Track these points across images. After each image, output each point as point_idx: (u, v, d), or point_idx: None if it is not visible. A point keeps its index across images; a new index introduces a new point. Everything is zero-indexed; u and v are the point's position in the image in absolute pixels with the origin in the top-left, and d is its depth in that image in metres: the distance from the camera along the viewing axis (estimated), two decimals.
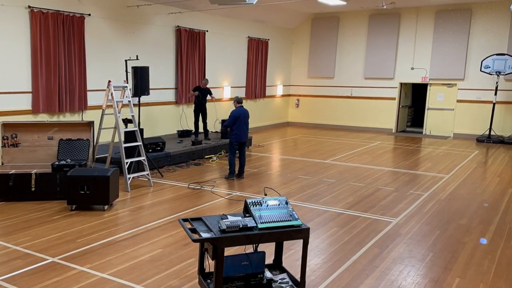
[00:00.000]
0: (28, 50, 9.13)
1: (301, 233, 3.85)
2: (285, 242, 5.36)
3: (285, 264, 4.73)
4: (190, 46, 12.92)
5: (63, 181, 6.94)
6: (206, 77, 13.19)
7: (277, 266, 4.40)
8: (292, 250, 5.28)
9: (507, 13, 14.12)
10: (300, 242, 5.52)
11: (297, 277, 4.13)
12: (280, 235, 3.82)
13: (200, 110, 11.80)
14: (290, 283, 4.10)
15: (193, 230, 3.79)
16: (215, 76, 14.26)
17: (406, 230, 6.10)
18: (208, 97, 11.74)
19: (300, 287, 3.99)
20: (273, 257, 4.54)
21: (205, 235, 3.62)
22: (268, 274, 4.22)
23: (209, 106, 12.05)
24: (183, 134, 12.00)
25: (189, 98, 12.60)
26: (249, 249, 4.50)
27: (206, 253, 3.86)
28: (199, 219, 4.01)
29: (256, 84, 15.95)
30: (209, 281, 4.05)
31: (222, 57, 14.46)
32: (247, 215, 4.02)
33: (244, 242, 3.73)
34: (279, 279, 4.16)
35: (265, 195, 4.37)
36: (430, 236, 5.89)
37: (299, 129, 16.91)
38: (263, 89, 16.38)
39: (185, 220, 4.00)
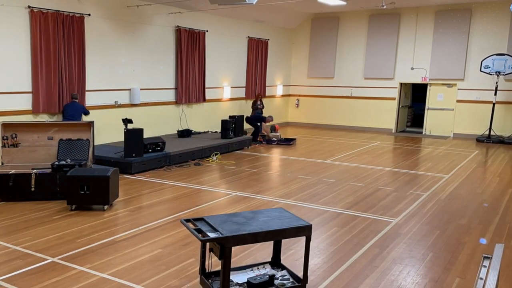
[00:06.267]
0: (28, 50, 9.13)
1: (304, 231, 3.91)
2: (285, 242, 5.37)
3: (285, 264, 4.74)
4: (190, 46, 12.93)
5: (63, 181, 6.94)
6: (270, 115, 14.18)
7: (276, 263, 4.41)
8: (292, 250, 5.28)
9: (507, 13, 14.13)
10: (299, 243, 5.52)
11: (298, 274, 4.14)
12: (285, 232, 3.86)
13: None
14: (291, 279, 4.12)
15: (198, 230, 3.80)
16: (215, 76, 14.27)
17: (406, 230, 6.10)
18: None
19: (303, 282, 4.01)
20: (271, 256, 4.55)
21: (211, 235, 3.62)
22: (268, 270, 4.23)
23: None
24: (183, 134, 12.01)
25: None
26: (252, 247, 4.51)
27: (211, 252, 3.86)
28: (201, 219, 4.02)
29: (256, 84, 15.94)
30: (210, 281, 4.05)
31: (222, 57, 14.46)
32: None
33: (250, 241, 3.74)
34: (280, 276, 4.17)
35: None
36: (430, 236, 5.89)
37: (299, 129, 16.91)
38: (263, 89, 16.38)
39: (187, 220, 4.00)
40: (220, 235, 3.59)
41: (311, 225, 3.97)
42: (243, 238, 3.67)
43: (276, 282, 4.03)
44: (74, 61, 9.87)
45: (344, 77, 17.08)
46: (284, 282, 4.05)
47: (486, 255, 2.95)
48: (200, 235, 3.68)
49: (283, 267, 4.35)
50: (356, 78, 16.85)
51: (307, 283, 4.07)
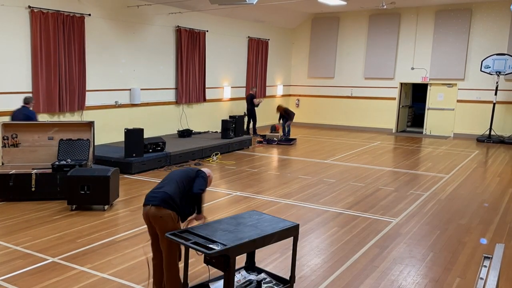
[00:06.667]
0: (28, 50, 9.13)
1: (293, 231, 3.99)
2: (283, 243, 5.36)
3: (283, 266, 4.74)
4: (190, 46, 12.93)
5: (64, 181, 6.94)
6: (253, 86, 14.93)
7: (251, 267, 4.38)
8: (292, 250, 5.27)
9: (507, 13, 14.12)
10: (298, 244, 5.51)
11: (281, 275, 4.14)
12: (278, 235, 3.86)
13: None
14: (274, 281, 4.12)
15: (195, 243, 3.52)
16: (215, 76, 14.27)
17: (406, 230, 6.10)
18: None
19: (291, 282, 4.01)
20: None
21: (213, 247, 3.50)
22: (245, 275, 4.20)
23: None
24: (183, 134, 12.00)
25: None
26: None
27: (208, 265, 3.74)
28: (185, 231, 3.77)
29: (256, 84, 15.94)
30: None
31: (222, 57, 14.46)
32: None
33: (251, 248, 3.71)
34: (262, 279, 4.16)
35: None
36: (430, 236, 5.89)
37: (299, 129, 16.90)
38: (263, 89, 16.38)
39: (173, 235, 3.67)
40: (223, 246, 3.46)
41: (298, 225, 4.01)
42: (246, 247, 3.62)
43: (264, 286, 4.02)
44: (74, 61, 9.87)
45: (344, 77, 17.07)
46: (270, 285, 4.05)
47: (486, 255, 2.94)
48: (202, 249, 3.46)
49: (259, 270, 4.33)
50: (356, 78, 16.85)
51: (294, 282, 4.06)
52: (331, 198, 7.61)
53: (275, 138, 13.27)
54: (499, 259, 2.80)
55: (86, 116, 10.25)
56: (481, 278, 2.69)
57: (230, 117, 12.43)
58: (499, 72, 13.86)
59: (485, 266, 2.80)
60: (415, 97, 17.81)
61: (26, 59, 9.12)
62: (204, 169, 4.20)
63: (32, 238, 5.50)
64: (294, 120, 18.23)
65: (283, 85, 17.88)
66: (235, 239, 3.58)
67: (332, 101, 17.39)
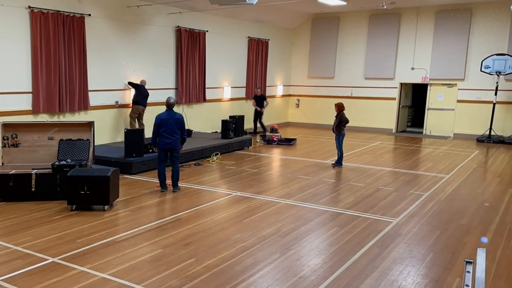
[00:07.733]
0: (29, 50, 9.13)
1: None
2: (285, 242, 5.35)
3: (283, 266, 4.72)
4: (190, 46, 12.93)
5: (64, 181, 6.93)
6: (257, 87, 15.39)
7: None
8: (292, 250, 5.28)
9: (507, 13, 14.12)
10: (300, 242, 5.52)
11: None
12: None
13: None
14: None
15: None
16: (215, 76, 14.27)
17: (406, 230, 6.10)
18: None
19: None
20: None
21: None
22: None
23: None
24: None
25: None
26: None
27: None
28: None
29: (256, 84, 15.94)
30: None
31: (222, 57, 14.46)
32: None
33: None
34: None
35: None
36: (431, 236, 5.89)
37: (299, 129, 16.91)
38: (263, 89, 16.37)
39: None
40: None
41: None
42: None
43: None
44: (74, 61, 9.86)
45: (344, 77, 17.07)
46: None
47: (468, 260, 2.81)
48: None
49: None
50: (356, 78, 16.84)
51: None
52: (331, 198, 7.61)
53: (275, 138, 13.24)
54: (483, 265, 2.71)
55: (86, 116, 10.25)
56: (467, 285, 2.61)
57: (230, 117, 12.43)
58: (499, 72, 13.86)
59: (468, 272, 2.68)
60: (415, 97, 17.80)
61: (26, 59, 9.12)
62: None
63: (32, 238, 5.49)
64: (294, 120, 18.34)
65: (283, 85, 17.88)
66: None
67: (332, 101, 17.15)
